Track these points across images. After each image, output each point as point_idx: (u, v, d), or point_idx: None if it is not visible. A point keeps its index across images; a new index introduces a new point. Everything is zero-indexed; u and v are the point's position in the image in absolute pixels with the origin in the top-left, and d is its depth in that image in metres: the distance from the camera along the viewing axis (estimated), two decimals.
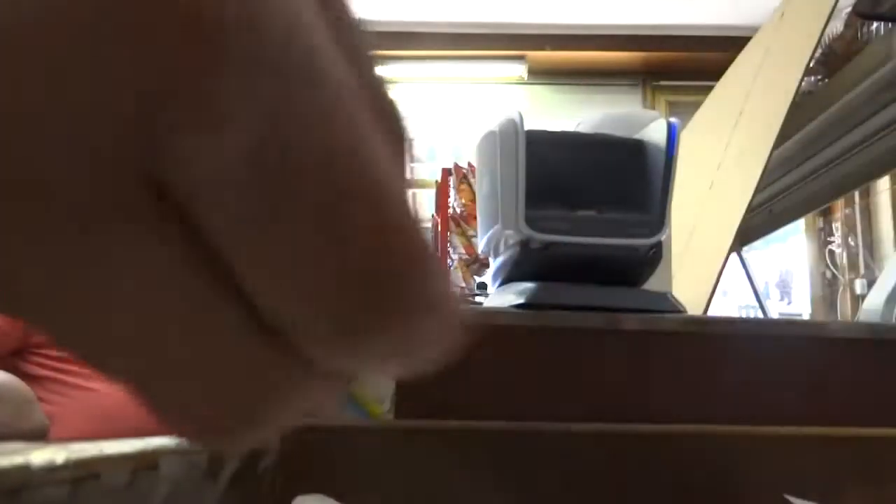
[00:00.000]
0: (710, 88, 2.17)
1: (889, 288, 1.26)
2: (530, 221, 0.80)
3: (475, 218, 2.19)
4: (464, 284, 2.38)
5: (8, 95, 0.10)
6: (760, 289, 4.34)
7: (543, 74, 4.71)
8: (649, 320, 0.83)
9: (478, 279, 2.38)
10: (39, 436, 1.19)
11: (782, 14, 1.75)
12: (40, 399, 1.34)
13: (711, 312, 1.42)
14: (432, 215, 3.01)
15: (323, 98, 0.11)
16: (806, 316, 3.96)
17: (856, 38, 1.61)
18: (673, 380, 0.82)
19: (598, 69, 4.70)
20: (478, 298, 1.94)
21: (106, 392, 1.38)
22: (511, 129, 0.82)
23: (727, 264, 1.40)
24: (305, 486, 0.71)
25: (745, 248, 2.46)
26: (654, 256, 0.83)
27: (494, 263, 0.92)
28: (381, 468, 0.74)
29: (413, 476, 0.74)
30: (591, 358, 0.83)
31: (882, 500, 0.77)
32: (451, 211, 2.55)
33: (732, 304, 4.07)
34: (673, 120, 0.84)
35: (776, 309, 4.21)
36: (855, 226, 3.76)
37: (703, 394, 0.82)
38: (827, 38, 1.64)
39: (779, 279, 4.28)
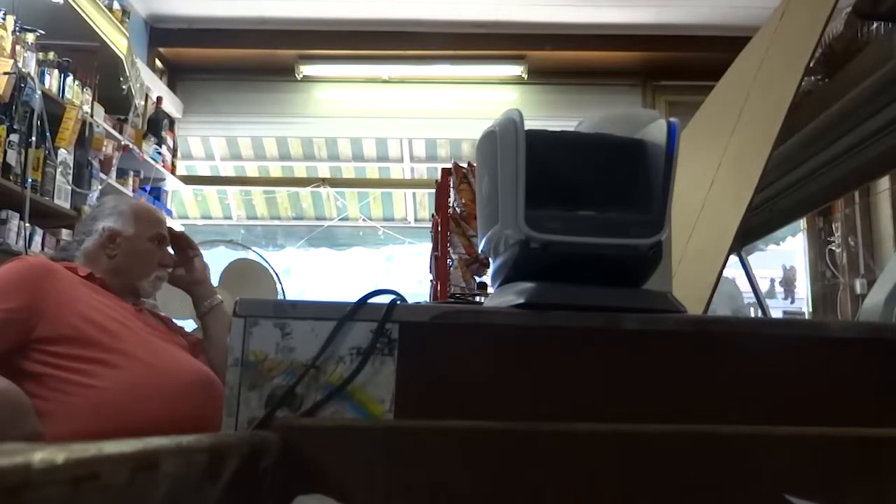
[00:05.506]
0: (710, 88, 2.17)
1: (889, 288, 1.26)
2: (530, 221, 0.80)
3: (475, 218, 2.19)
4: (464, 284, 2.38)
5: None
6: (766, 286, 4.37)
7: (543, 74, 4.71)
8: (649, 320, 0.83)
9: (478, 279, 2.38)
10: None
11: (782, 14, 1.75)
12: (39, 396, 1.34)
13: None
14: (432, 215, 3.01)
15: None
16: (807, 315, 3.97)
17: (856, 38, 1.61)
18: (673, 380, 0.82)
19: (598, 69, 4.70)
20: (478, 298, 1.94)
21: (106, 388, 1.38)
22: (511, 129, 0.82)
23: (727, 264, 1.40)
24: (305, 486, 0.71)
25: (750, 247, 2.45)
26: (654, 256, 0.83)
27: (494, 263, 0.91)
28: (381, 468, 0.74)
29: (413, 476, 0.74)
30: (591, 358, 0.83)
31: (882, 500, 0.76)
32: (451, 211, 2.54)
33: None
34: (673, 120, 0.84)
35: (780, 307, 4.23)
36: (855, 226, 3.75)
37: (703, 394, 0.82)
38: (827, 38, 1.64)
39: (782, 277, 4.30)
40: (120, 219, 1.66)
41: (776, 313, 4.20)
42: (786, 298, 4.29)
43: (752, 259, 4.17)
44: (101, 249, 1.63)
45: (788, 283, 4.27)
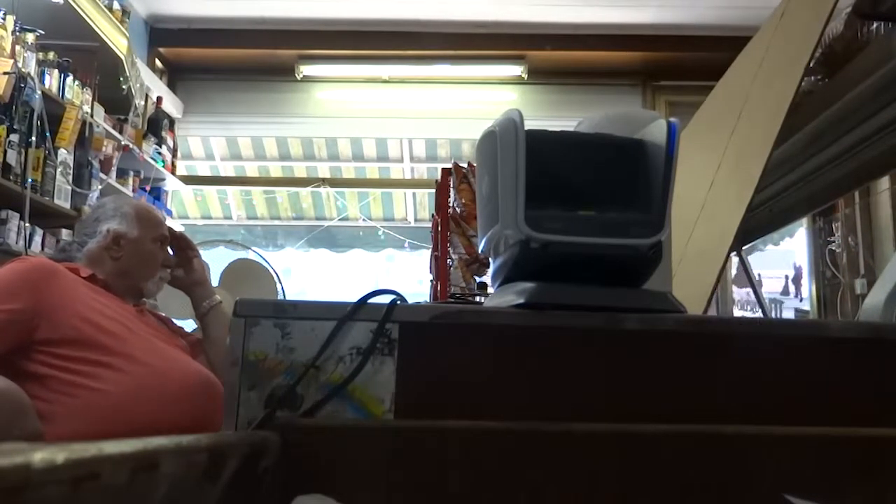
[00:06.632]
0: (710, 88, 2.17)
1: (889, 288, 1.26)
2: (530, 221, 0.80)
3: (475, 218, 2.19)
4: (464, 284, 2.37)
5: None
6: (781, 284, 4.39)
7: (543, 74, 4.71)
8: (649, 320, 0.83)
9: (478, 279, 2.38)
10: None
11: (782, 14, 1.75)
12: (41, 398, 1.34)
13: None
14: (432, 215, 3.01)
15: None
16: (811, 314, 3.98)
17: (856, 38, 1.61)
18: (673, 380, 0.82)
19: (598, 69, 4.70)
20: (478, 298, 1.94)
21: (108, 391, 1.37)
22: (511, 129, 0.82)
23: (727, 264, 1.40)
24: (305, 486, 0.71)
25: (750, 247, 2.45)
26: (654, 256, 0.83)
27: (494, 263, 0.91)
28: (381, 468, 0.74)
29: (413, 476, 0.74)
30: (591, 358, 0.83)
31: (882, 500, 0.77)
32: (451, 211, 2.54)
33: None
34: (673, 120, 0.84)
35: (793, 305, 4.25)
36: (855, 226, 3.75)
37: (703, 394, 0.82)
38: (827, 38, 1.64)
39: (794, 275, 4.32)
40: (124, 220, 1.66)
41: (789, 312, 4.23)
42: (797, 296, 4.31)
43: (766, 257, 4.20)
44: (105, 251, 1.63)
45: (798, 281, 4.29)
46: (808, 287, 4.08)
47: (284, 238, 5.29)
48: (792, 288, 4.35)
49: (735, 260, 2.84)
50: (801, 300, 4.23)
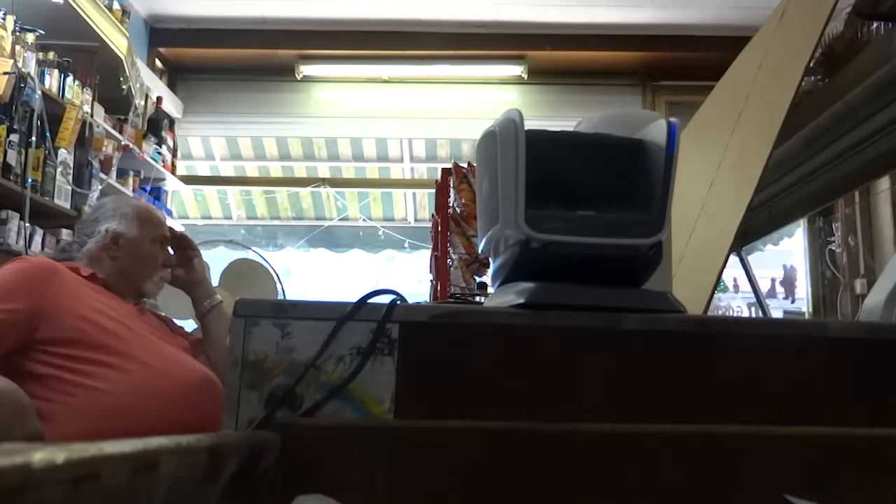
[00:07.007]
0: (710, 88, 2.17)
1: (889, 288, 1.26)
2: (530, 221, 0.80)
3: (475, 218, 2.19)
4: (464, 284, 2.38)
5: None
6: (767, 286, 4.37)
7: (543, 74, 4.71)
8: (649, 320, 0.83)
9: (478, 279, 2.38)
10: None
11: (782, 14, 1.75)
12: (42, 398, 1.34)
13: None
14: (432, 215, 3.01)
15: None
16: (807, 315, 3.97)
17: (856, 38, 1.61)
18: (673, 380, 0.82)
19: (598, 69, 4.70)
20: (478, 298, 1.94)
21: (108, 391, 1.37)
22: (511, 129, 0.82)
23: (727, 264, 1.40)
24: (305, 486, 0.71)
25: (750, 247, 2.45)
26: (654, 256, 0.83)
27: (494, 263, 0.91)
28: (381, 468, 0.74)
29: (413, 476, 0.74)
30: (591, 358, 0.83)
31: (882, 500, 0.77)
32: (451, 211, 2.54)
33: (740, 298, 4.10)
34: (673, 120, 0.84)
35: (780, 306, 4.23)
36: (855, 226, 3.75)
37: (703, 394, 0.82)
38: (827, 38, 1.64)
39: (783, 276, 4.31)
40: (123, 220, 1.66)
41: (777, 313, 4.21)
42: (786, 298, 4.30)
43: (753, 259, 4.18)
44: (104, 251, 1.63)
45: (789, 282, 4.29)
46: (805, 288, 4.08)
47: (284, 238, 5.29)
48: (780, 290, 4.34)
49: None
50: (792, 301, 4.23)
